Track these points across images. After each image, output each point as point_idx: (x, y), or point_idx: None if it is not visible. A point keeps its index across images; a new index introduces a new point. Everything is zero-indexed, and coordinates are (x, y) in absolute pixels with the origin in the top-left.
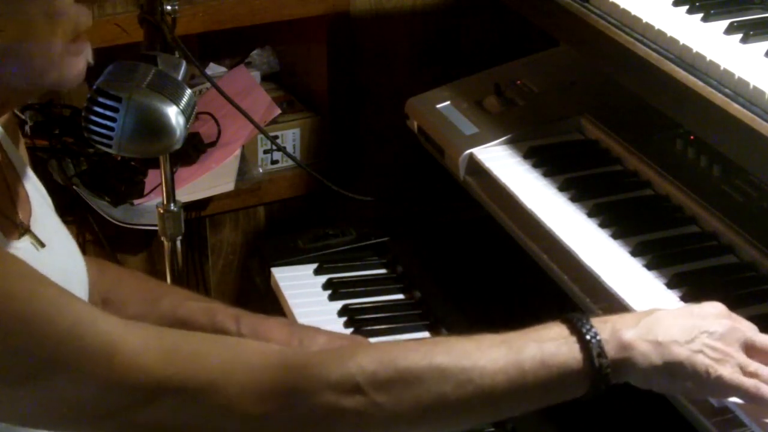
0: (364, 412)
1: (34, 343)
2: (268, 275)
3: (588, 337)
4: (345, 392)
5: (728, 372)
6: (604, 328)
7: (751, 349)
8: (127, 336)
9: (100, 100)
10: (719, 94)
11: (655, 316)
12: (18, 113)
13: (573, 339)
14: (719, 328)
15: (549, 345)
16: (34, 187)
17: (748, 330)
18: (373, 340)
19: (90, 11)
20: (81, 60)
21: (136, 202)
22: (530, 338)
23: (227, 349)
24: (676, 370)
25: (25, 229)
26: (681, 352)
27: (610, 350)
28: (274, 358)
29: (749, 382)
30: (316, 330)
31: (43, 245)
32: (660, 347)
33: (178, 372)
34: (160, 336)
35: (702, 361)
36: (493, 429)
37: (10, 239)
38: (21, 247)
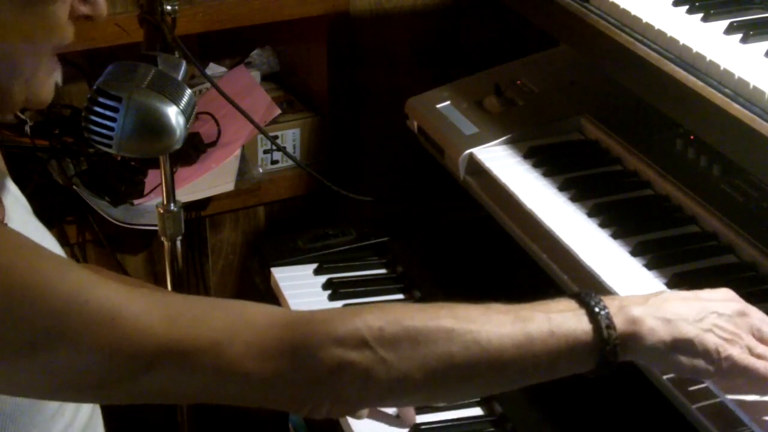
0: (371, 368)
1: (36, 311)
2: (268, 275)
3: (597, 309)
4: (352, 347)
5: (738, 352)
6: (612, 303)
7: (758, 339)
8: (130, 300)
9: (100, 100)
10: (719, 94)
11: (664, 295)
12: (18, 113)
13: (582, 311)
14: (728, 311)
15: (557, 316)
16: (8, 192)
17: (757, 317)
18: None
19: (74, 30)
20: (51, 80)
21: (136, 202)
22: (537, 309)
23: (230, 311)
24: (684, 347)
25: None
26: (690, 330)
27: (619, 323)
28: (278, 317)
29: (759, 363)
30: None
31: None
32: (669, 324)
33: (181, 334)
34: (162, 300)
35: (712, 339)
36: (493, 429)
37: None
38: None
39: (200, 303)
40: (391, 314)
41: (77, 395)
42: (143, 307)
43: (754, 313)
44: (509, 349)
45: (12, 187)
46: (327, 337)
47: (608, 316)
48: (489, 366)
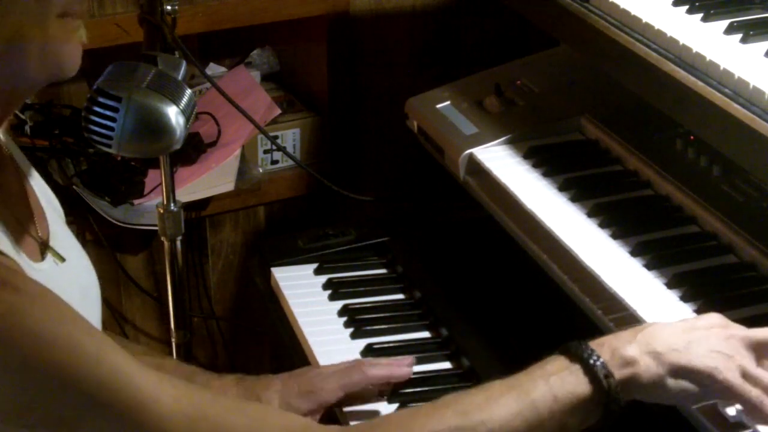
0: None
1: (69, 392)
2: (268, 275)
3: (591, 361)
4: None
5: (732, 376)
6: (603, 349)
7: (757, 348)
8: (159, 397)
9: (100, 100)
10: (719, 94)
11: (651, 328)
12: (18, 113)
13: (577, 366)
14: (716, 334)
15: (555, 379)
16: (44, 197)
17: (746, 336)
18: (373, 340)
19: None
20: (75, 42)
21: (136, 202)
22: (536, 376)
23: (251, 422)
24: (678, 376)
25: (45, 246)
26: (681, 358)
27: (615, 369)
28: None
29: (753, 392)
30: (270, 380)
31: (63, 259)
32: (661, 357)
33: None
34: (189, 400)
35: (704, 364)
36: None
37: (35, 260)
38: (45, 269)
39: (223, 407)
40: (403, 430)
41: None
42: (169, 407)
43: (741, 332)
44: (520, 427)
45: (46, 190)
46: None
47: (604, 365)
48: None
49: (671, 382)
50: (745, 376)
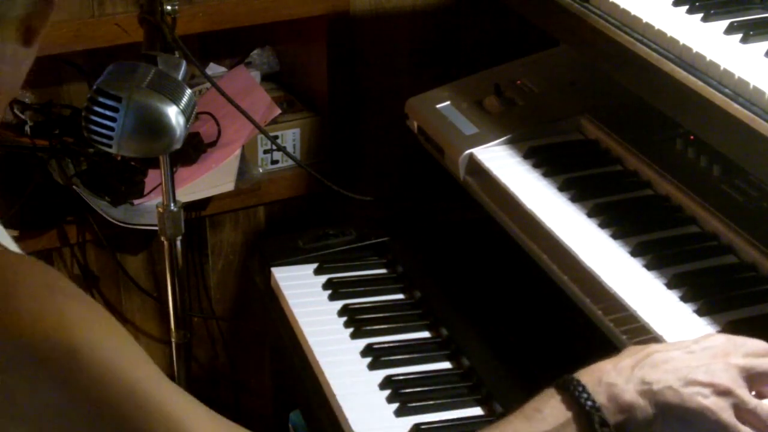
0: None
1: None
2: (268, 275)
3: (587, 408)
4: None
5: (726, 416)
6: (600, 390)
7: (757, 379)
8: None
9: (100, 100)
10: (719, 94)
11: (650, 359)
12: (18, 113)
13: (570, 414)
14: (715, 366)
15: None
16: None
17: (748, 359)
18: (373, 340)
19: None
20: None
21: (136, 202)
22: (534, 422)
23: None
24: (672, 414)
25: None
26: (675, 397)
27: (611, 416)
28: None
29: (744, 430)
30: None
31: None
32: (655, 396)
33: None
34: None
35: (698, 404)
36: None
37: None
38: None
39: None
40: None
41: None
42: None
43: (748, 347)
44: None
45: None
46: None
47: (600, 414)
48: None
49: (661, 419)
50: (741, 410)
